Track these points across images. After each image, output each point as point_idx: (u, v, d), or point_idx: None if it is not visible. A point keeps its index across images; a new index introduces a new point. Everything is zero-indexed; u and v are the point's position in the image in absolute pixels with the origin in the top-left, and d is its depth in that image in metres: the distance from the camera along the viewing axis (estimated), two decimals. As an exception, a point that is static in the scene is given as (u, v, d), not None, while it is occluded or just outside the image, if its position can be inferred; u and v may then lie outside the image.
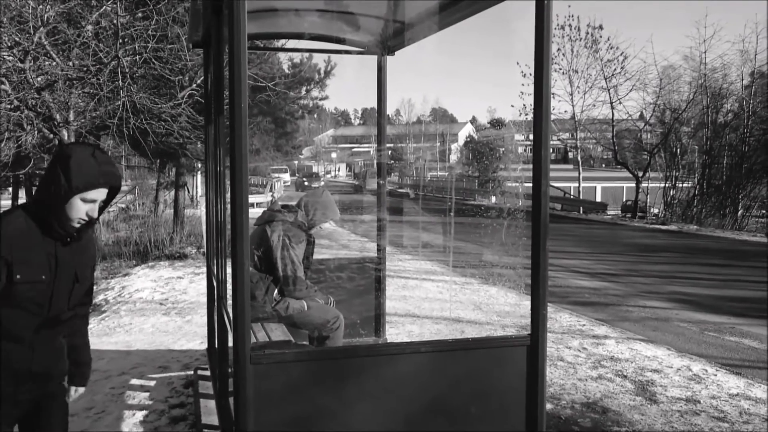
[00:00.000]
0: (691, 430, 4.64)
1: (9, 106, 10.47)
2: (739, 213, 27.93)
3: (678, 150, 31.00)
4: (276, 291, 4.67)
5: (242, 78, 2.70)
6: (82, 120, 11.55)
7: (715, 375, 5.98)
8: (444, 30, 4.74)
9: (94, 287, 11.66)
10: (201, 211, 18.03)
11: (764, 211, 29.22)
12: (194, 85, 12.33)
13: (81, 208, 2.60)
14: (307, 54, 19.90)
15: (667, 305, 9.60)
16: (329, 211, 4.89)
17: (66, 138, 11.82)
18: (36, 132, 11.26)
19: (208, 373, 5.12)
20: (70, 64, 10.57)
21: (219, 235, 4.06)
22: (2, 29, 9.70)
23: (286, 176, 57.92)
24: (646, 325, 8.28)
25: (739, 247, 17.91)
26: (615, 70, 32.16)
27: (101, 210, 2.69)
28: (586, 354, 6.53)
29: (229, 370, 3.56)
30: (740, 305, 9.64)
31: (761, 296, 10.38)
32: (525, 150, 53.71)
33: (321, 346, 4.79)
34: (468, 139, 54.82)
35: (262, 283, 4.63)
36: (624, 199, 38.04)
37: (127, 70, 10.71)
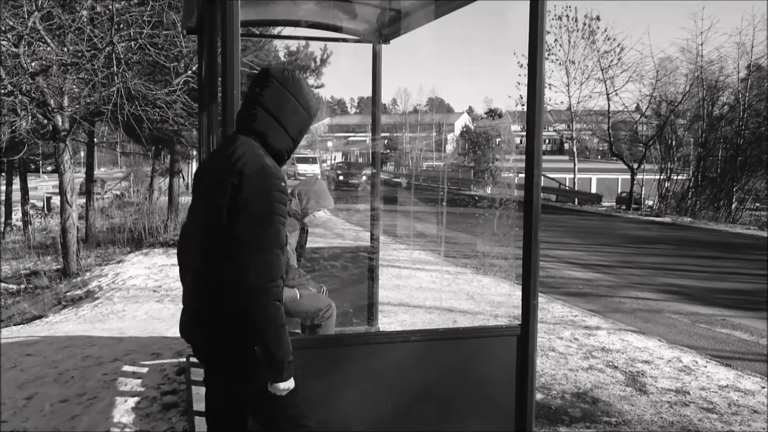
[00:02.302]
0: (680, 420, 4.67)
1: (3, 91, 10.42)
2: (733, 206, 28.03)
3: (673, 142, 31.05)
4: None
5: (235, 65, 2.69)
6: (77, 106, 11.52)
7: (705, 366, 6.01)
8: (440, 19, 4.74)
9: (88, 273, 11.64)
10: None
11: (758, 204, 29.31)
12: (189, 72, 12.29)
13: None
14: (303, 42, 19.84)
15: (659, 297, 9.65)
16: (322, 199, 4.88)
17: (60, 124, 11.78)
18: (30, 117, 11.23)
19: (200, 360, 5.13)
20: (65, 49, 10.52)
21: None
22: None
23: (315, 168, 42.76)
24: (638, 317, 8.32)
25: (733, 239, 17.98)
26: (612, 61, 32.19)
27: None
28: (578, 344, 6.56)
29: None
30: (732, 297, 9.69)
31: (753, 288, 10.43)
32: (521, 141, 53.69)
33: (313, 335, 4.81)
34: (464, 129, 54.79)
35: None
36: (619, 191, 38.14)
37: (122, 56, 10.67)
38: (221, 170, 2.38)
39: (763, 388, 5.47)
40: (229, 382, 2.51)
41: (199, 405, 4.32)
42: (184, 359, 5.50)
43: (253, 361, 2.38)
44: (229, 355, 2.41)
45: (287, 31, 9.24)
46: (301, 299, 4.73)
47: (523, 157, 3.11)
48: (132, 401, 4.69)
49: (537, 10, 2.96)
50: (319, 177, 5.07)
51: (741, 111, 29.01)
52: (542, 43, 2.98)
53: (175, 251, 11.92)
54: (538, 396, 5.00)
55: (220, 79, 2.99)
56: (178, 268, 2.78)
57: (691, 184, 29.75)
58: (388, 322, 7.17)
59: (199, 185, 2.55)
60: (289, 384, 2.39)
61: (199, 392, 4.54)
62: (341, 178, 38.07)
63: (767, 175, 28.39)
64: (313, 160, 45.16)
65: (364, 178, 37.61)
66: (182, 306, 2.63)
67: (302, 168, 41.63)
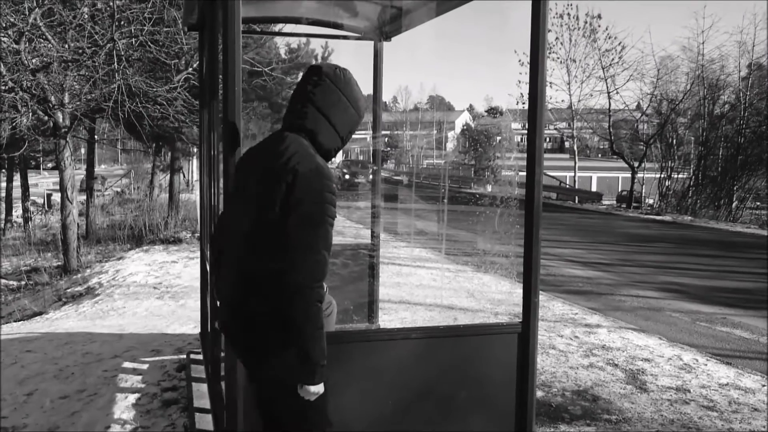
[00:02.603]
0: (680, 418, 4.67)
1: (4, 88, 10.42)
2: (734, 205, 28.00)
3: (674, 141, 31.02)
4: None
5: (236, 62, 2.69)
6: (78, 102, 11.51)
7: (706, 365, 6.01)
8: (441, 16, 4.74)
9: (88, 270, 11.64)
10: (196, 195, 18.02)
11: (759, 203, 29.29)
12: (190, 69, 12.29)
13: None
14: (304, 39, 19.84)
15: (659, 295, 9.64)
16: None
17: (61, 120, 11.78)
18: (31, 114, 11.23)
19: (200, 357, 5.14)
20: (66, 46, 10.51)
21: (213, 219, 4.06)
22: (-3, 10, 9.64)
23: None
24: (638, 315, 8.31)
25: (733, 238, 17.97)
26: (613, 59, 32.11)
27: None
28: (578, 342, 6.56)
29: (222, 355, 3.57)
30: (732, 296, 9.69)
31: (753, 287, 10.43)
32: (522, 139, 53.68)
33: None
34: (465, 127, 54.79)
35: None
36: (619, 189, 38.12)
37: (122, 53, 10.66)
38: (273, 167, 2.38)
39: (764, 386, 5.47)
40: (257, 376, 2.51)
41: (200, 402, 4.33)
42: (185, 356, 5.50)
43: (285, 359, 2.37)
44: (261, 349, 2.42)
45: (288, 28, 9.24)
46: None
47: (524, 155, 3.11)
48: (132, 398, 4.69)
49: (539, 10, 2.96)
50: None
51: (742, 110, 28.98)
52: (544, 42, 2.98)
53: (176, 248, 11.91)
54: (539, 394, 5.00)
55: (221, 76, 2.98)
56: (209, 255, 2.75)
57: (691, 183, 29.73)
58: (388, 319, 7.17)
59: (244, 179, 2.55)
60: (319, 388, 2.37)
61: (199, 389, 4.55)
62: (347, 177, 35.24)
63: (768, 173, 28.39)
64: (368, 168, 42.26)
65: (371, 176, 34.72)
66: (217, 295, 2.64)
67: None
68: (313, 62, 19.47)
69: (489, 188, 37.96)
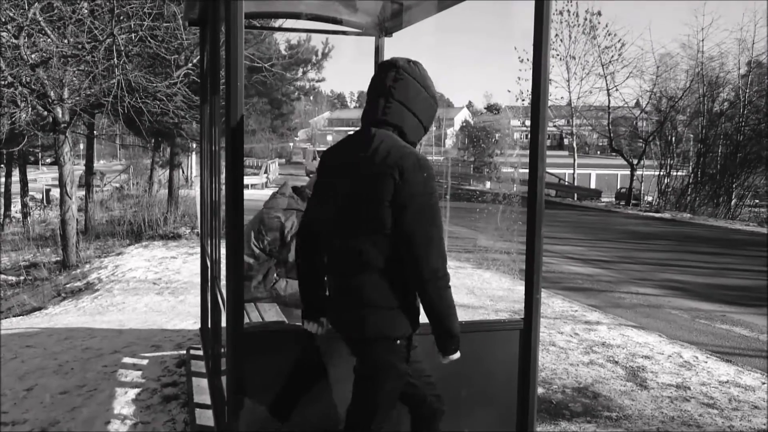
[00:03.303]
0: (680, 415, 4.67)
1: (3, 83, 10.40)
2: (733, 202, 28.01)
3: (673, 138, 31.02)
4: (275, 272, 4.65)
5: (239, 57, 2.67)
6: (77, 98, 11.49)
7: (706, 362, 6.02)
8: (442, 12, 4.73)
9: (88, 265, 11.63)
10: (195, 191, 18.00)
11: (758, 201, 29.30)
12: (190, 65, 12.26)
13: None
14: (304, 35, 19.81)
15: (659, 292, 9.65)
16: None
17: (60, 115, 11.76)
18: (30, 109, 11.21)
19: (200, 352, 5.13)
20: (65, 41, 10.48)
21: (213, 215, 4.05)
22: (-4, 4, 9.61)
23: None
24: (638, 312, 8.32)
25: (732, 236, 17.98)
26: (612, 56, 32.11)
27: None
28: (578, 339, 6.56)
29: (222, 350, 3.57)
30: (732, 293, 9.69)
31: (752, 285, 10.44)
32: (521, 136, 53.67)
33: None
34: (464, 124, 54.79)
35: (262, 267, 4.59)
36: (618, 187, 38.13)
37: (122, 48, 10.64)
38: (375, 165, 2.45)
39: (764, 383, 5.48)
40: (385, 360, 2.57)
41: (200, 397, 4.32)
42: (185, 352, 5.50)
43: (410, 341, 2.60)
44: (390, 336, 2.53)
45: (288, 23, 9.22)
46: None
47: (523, 152, 3.10)
48: (132, 393, 4.68)
49: (542, 10, 2.95)
50: None
51: (741, 107, 28.98)
52: (547, 41, 2.96)
53: (175, 244, 11.89)
54: (539, 390, 5.00)
55: (222, 71, 2.97)
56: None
57: (690, 180, 29.73)
58: (388, 316, 7.15)
59: (337, 180, 2.61)
60: (458, 355, 2.66)
61: (199, 384, 4.55)
62: None
63: (767, 171, 28.37)
64: None
65: None
66: (319, 290, 2.76)
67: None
68: (313, 58, 19.46)
69: (488, 185, 37.99)
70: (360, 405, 2.65)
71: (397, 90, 2.56)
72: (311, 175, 4.51)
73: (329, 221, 2.64)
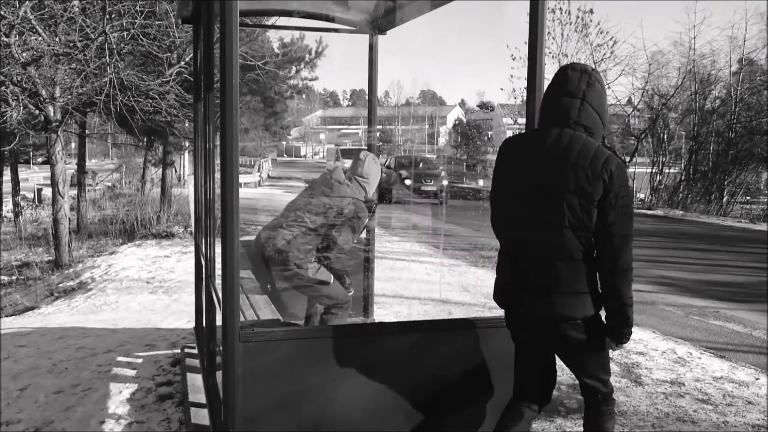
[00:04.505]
0: (675, 411, 4.69)
1: (-6, 81, 10.35)
2: (725, 199, 28.10)
3: (665, 136, 31.09)
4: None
5: (234, 55, 2.67)
6: (69, 96, 11.44)
7: (700, 358, 6.04)
8: (435, 11, 4.73)
9: (80, 265, 11.57)
10: (188, 190, 17.95)
11: (749, 198, 29.41)
12: (183, 63, 12.23)
13: None
14: (297, 34, 19.78)
15: (652, 289, 9.67)
16: (375, 177, 4.86)
17: (52, 114, 11.71)
18: (21, 108, 11.14)
19: (195, 351, 5.12)
20: (57, 39, 10.43)
21: (208, 213, 4.04)
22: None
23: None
24: (632, 309, 8.33)
25: (724, 232, 18.05)
26: (604, 54, 32.04)
27: None
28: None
29: (218, 349, 3.56)
30: (724, 290, 9.73)
31: (745, 281, 10.48)
32: (513, 134, 53.63)
33: (310, 326, 4.80)
34: (456, 122, 54.80)
35: (309, 242, 4.56)
36: (611, 184, 38.14)
37: (114, 47, 10.59)
38: (583, 165, 2.68)
39: (757, 379, 5.50)
40: (573, 341, 2.84)
41: (195, 396, 4.31)
42: (179, 350, 5.49)
43: (599, 325, 2.86)
44: (583, 316, 2.80)
45: (281, 21, 9.20)
46: (331, 285, 4.69)
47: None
48: (127, 392, 4.67)
49: (537, 10, 2.95)
50: (368, 152, 4.97)
51: (733, 105, 29.06)
52: (542, 40, 2.99)
53: (168, 243, 11.87)
54: (534, 387, 5.00)
55: (216, 69, 2.96)
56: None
57: (682, 178, 29.80)
58: (383, 313, 7.17)
59: (532, 172, 2.80)
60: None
61: (194, 383, 4.54)
62: (407, 181, 25.65)
63: (758, 168, 28.47)
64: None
65: (444, 183, 26.58)
66: (511, 279, 2.96)
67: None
68: (307, 57, 19.41)
69: (481, 183, 38.01)
70: (589, 367, 2.96)
71: (589, 94, 2.79)
72: (337, 162, 4.54)
73: (517, 210, 2.87)
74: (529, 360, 3.04)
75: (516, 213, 2.88)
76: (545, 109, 2.89)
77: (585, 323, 2.82)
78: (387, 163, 27.64)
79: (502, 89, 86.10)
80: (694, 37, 33.97)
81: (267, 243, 4.53)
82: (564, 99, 2.79)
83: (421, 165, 27.72)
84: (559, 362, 3.08)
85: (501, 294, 3.01)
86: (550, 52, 33.60)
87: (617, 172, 2.68)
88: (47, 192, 23.29)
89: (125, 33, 10.89)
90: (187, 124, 15.53)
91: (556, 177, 2.72)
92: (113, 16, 10.71)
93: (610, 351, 2.99)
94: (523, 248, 2.88)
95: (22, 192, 24.83)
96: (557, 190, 2.71)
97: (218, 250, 2.97)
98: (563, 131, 2.77)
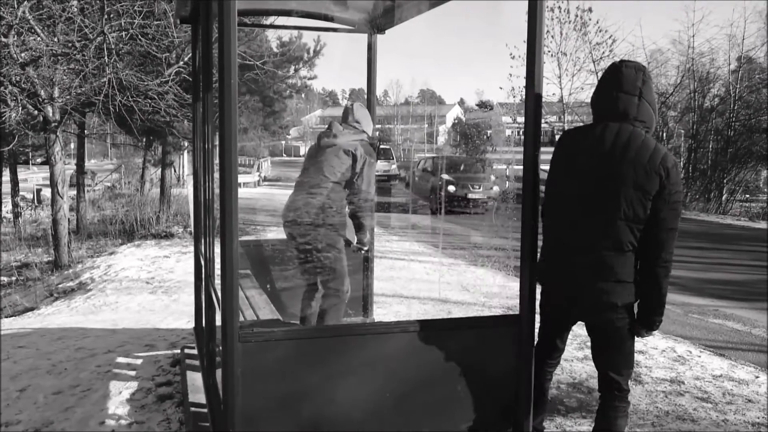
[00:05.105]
0: (675, 410, 4.69)
1: (-8, 82, 10.33)
2: (724, 197, 28.10)
3: (664, 134, 31.08)
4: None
5: (232, 54, 2.66)
6: (67, 96, 11.43)
7: (699, 356, 6.04)
8: (434, 10, 4.72)
9: (80, 265, 11.56)
10: (188, 190, 17.94)
11: (748, 196, 29.40)
12: (181, 63, 12.22)
13: None
14: (296, 33, 19.79)
15: (652, 288, 9.66)
16: (371, 128, 4.94)
17: (51, 115, 11.70)
18: (20, 108, 11.13)
19: (194, 351, 5.12)
20: (55, 39, 10.42)
21: (207, 213, 4.04)
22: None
23: (391, 166, 30.51)
24: (631, 307, 8.33)
25: (723, 230, 18.05)
26: (604, 53, 32.08)
27: None
28: (572, 335, 6.56)
29: (217, 349, 3.56)
30: (723, 288, 9.73)
31: (744, 279, 10.48)
32: (513, 133, 53.70)
33: (307, 326, 4.79)
34: (456, 121, 54.70)
35: (340, 198, 4.64)
36: (610, 183, 38.10)
37: (113, 47, 10.58)
38: (639, 161, 2.88)
39: (757, 377, 5.50)
40: (612, 327, 3.08)
41: (195, 396, 4.31)
42: (179, 351, 5.48)
43: (633, 315, 3.08)
44: (626, 303, 3.03)
45: (280, 21, 9.19)
46: (342, 258, 4.71)
47: (516, 149, 3.12)
48: (126, 393, 4.67)
49: (536, 10, 2.95)
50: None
51: (732, 103, 29.06)
52: (541, 39, 2.97)
53: (168, 243, 11.87)
54: (534, 386, 5.00)
55: (215, 69, 2.96)
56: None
57: (682, 176, 29.82)
58: (383, 313, 7.17)
59: (592, 163, 3.00)
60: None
61: (194, 383, 4.53)
62: (451, 188, 20.94)
63: (758, 166, 28.47)
64: (388, 153, 31.84)
65: (495, 189, 21.70)
66: (560, 264, 3.15)
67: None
68: (305, 56, 19.41)
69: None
70: (617, 359, 3.16)
71: (645, 92, 3.00)
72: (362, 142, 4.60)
73: (574, 201, 3.06)
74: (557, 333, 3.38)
75: (573, 203, 3.07)
76: (601, 104, 3.10)
77: (626, 310, 3.04)
78: (422, 166, 24.74)
79: (501, 88, 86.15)
80: (693, 36, 34.05)
81: (300, 212, 4.58)
82: (622, 96, 3.00)
83: (463, 167, 23.46)
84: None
85: (547, 276, 3.20)
86: (549, 51, 33.63)
87: (673, 170, 2.90)
88: (46, 192, 23.30)
89: (124, 33, 10.88)
90: (186, 124, 15.51)
91: (616, 171, 2.91)
92: (112, 16, 10.70)
93: (638, 339, 3.21)
94: (577, 236, 3.06)
95: (21, 192, 24.81)
96: (616, 183, 2.91)
97: (217, 250, 2.96)
98: (623, 127, 2.97)
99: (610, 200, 2.93)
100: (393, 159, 29.13)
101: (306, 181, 4.66)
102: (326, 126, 4.95)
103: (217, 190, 2.99)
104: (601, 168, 2.96)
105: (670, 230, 2.93)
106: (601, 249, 2.98)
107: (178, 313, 7.37)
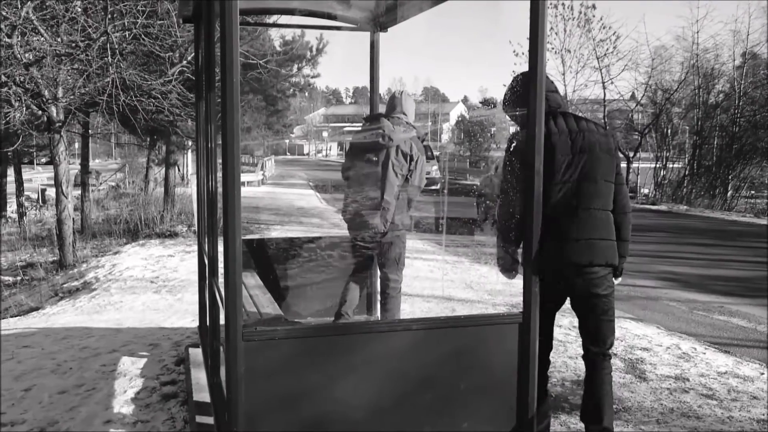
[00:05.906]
0: (680, 407, 4.68)
1: (-3, 82, 10.36)
2: (729, 194, 28.02)
3: (669, 130, 31.02)
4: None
5: (234, 53, 2.66)
6: (71, 96, 11.45)
7: (704, 353, 6.02)
8: (437, 7, 4.71)
9: (84, 265, 11.59)
10: (192, 189, 17.96)
11: (753, 192, 29.32)
12: (185, 62, 12.23)
13: None
14: (299, 31, 19.77)
15: (656, 284, 9.66)
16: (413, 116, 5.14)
17: (55, 115, 11.72)
18: (24, 108, 11.15)
19: (199, 350, 5.13)
20: (59, 39, 10.44)
21: (210, 211, 4.04)
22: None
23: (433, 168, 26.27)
24: (636, 304, 8.32)
25: (729, 227, 18.01)
26: (607, 49, 31.97)
27: None
28: (576, 332, 6.54)
29: (221, 347, 3.56)
30: (728, 284, 9.71)
31: (749, 275, 10.46)
32: (516, 130, 53.46)
33: (323, 324, 4.80)
34: (460, 119, 54.69)
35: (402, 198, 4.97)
36: (614, 180, 38.03)
37: (116, 46, 10.59)
38: (611, 146, 3.66)
39: (762, 374, 5.48)
40: (602, 286, 3.67)
41: (199, 395, 4.32)
42: (183, 349, 5.49)
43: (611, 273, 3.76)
44: (611, 265, 3.72)
45: (282, 20, 9.19)
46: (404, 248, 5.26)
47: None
48: (131, 392, 4.68)
49: (538, 9, 2.94)
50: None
51: (736, 99, 28.98)
52: (543, 36, 2.96)
53: (172, 242, 11.87)
54: (538, 384, 4.99)
55: (218, 68, 2.96)
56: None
57: (686, 173, 29.73)
58: (386, 311, 7.15)
59: (592, 152, 3.59)
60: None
61: (198, 382, 4.54)
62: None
63: (762, 162, 28.39)
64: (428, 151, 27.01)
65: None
66: (571, 240, 3.58)
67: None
68: (308, 54, 19.41)
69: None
70: (601, 321, 3.70)
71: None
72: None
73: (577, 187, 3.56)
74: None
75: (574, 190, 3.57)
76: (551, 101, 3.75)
77: (612, 270, 3.71)
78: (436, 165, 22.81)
79: (504, 85, 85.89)
80: (697, 32, 33.85)
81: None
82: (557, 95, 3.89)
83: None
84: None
85: (545, 253, 3.30)
86: (553, 48, 33.52)
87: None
88: (51, 192, 23.36)
89: (127, 33, 10.89)
90: (189, 123, 15.54)
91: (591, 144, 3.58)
92: (115, 15, 10.71)
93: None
94: (568, 205, 3.52)
95: (26, 192, 24.89)
96: (595, 153, 3.56)
97: (221, 248, 2.96)
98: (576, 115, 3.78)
99: (597, 178, 3.66)
100: (434, 159, 25.38)
101: (370, 188, 4.97)
102: (367, 121, 5.02)
103: (220, 189, 2.99)
104: (580, 144, 3.66)
105: (627, 198, 3.91)
106: (591, 210, 3.64)
107: (182, 312, 7.38)
